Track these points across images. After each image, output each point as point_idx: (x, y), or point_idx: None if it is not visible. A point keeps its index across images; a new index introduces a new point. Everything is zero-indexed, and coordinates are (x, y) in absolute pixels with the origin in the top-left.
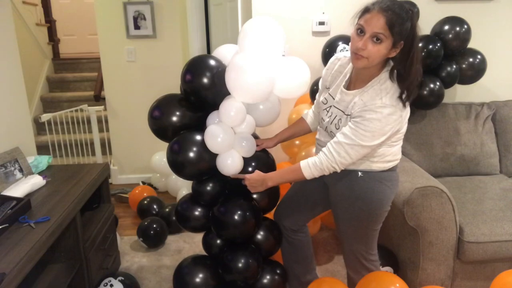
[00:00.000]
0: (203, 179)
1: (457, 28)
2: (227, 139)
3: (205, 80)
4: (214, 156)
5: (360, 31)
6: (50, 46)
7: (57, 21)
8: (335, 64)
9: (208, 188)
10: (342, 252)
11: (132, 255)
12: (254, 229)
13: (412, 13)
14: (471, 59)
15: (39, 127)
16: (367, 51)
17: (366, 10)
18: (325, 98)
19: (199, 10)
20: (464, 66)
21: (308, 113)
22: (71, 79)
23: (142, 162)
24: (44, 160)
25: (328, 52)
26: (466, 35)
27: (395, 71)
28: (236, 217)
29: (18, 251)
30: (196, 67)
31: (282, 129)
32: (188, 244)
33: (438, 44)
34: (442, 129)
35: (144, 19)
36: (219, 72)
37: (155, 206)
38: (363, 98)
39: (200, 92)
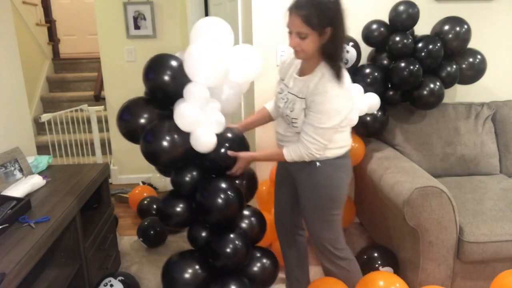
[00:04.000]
0: (178, 166)
1: (457, 28)
2: (195, 112)
3: (166, 77)
4: (187, 140)
5: (289, 32)
6: (50, 46)
7: (57, 21)
8: (286, 59)
9: (187, 178)
10: (313, 246)
11: (132, 255)
12: (239, 210)
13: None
14: (471, 59)
15: (39, 127)
16: (300, 47)
17: (287, 13)
18: (281, 88)
19: (199, 10)
20: (464, 66)
21: (270, 103)
22: (71, 79)
23: (142, 162)
24: (44, 160)
25: None
26: (466, 35)
27: (329, 53)
28: (219, 200)
29: (18, 251)
30: (156, 64)
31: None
32: (187, 244)
33: (438, 44)
34: (442, 129)
35: (144, 19)
36: (179, 66)
37: (155, 206)
38: (312, 83)
39: (163, 86)
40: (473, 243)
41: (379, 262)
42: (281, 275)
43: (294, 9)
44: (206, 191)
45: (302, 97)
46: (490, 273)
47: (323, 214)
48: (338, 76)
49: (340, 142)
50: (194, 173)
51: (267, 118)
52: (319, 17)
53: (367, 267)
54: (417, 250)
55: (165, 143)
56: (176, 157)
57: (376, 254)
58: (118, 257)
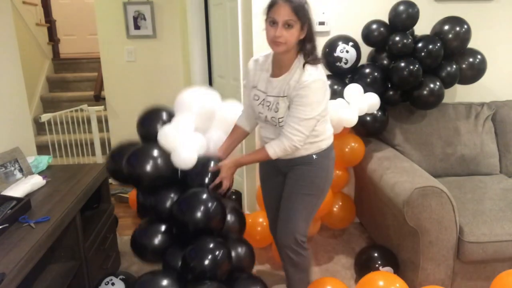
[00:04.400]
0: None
1: (457, 28)
2: (177, 132)
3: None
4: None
5: (273, 22)
6: (50, 46)
7: (57, 21)
8: (255, 65)
9: (168, 200)
10: (278, 235)
11: (132, 255)
12: (223, 221)
13: None
14: (471, 59)
15: (39, 127)
16: (284, 37)
17: (273, 4)
18: (256, 95)
19: (199, 10)
20: (464, 66)
21: (241, 118)
22: (71, 79)
23: None
24: (44, 160)
25: (328, 52)
26: (466, 35)
27: (306, 48)
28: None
29: (18, 251)
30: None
31: None
32: None
33: (438, 44)
34: (442, 129)
35: (144, 19)
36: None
37: None
38: (292, 80)
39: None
40: (473, 243)
41: (379, 262)
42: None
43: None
44: (184, 203)
45: (284, 96)
46: (490, 273)
47: (311, 204)
48: (317, 69)
49: (328, 132)
50: (174, 194)
51: (243, 135)
52: (303, 10)
53: (367, 267)
54: (417, 250)
55: (148, 167)
56: (157, 180)
57: (376, 254)
58: (118, 257)
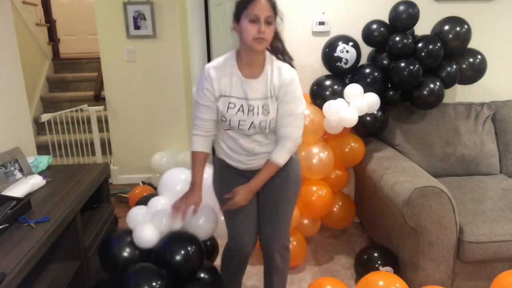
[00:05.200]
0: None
1: (457, 28)
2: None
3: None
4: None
5: (254, 19)
6: (50, 46)
7: (57, 21)
8: (215, 74)
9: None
10: (265, 241)
11: None
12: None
13: None
14: (471, 59)
15: (39, 127)
16: (266, 34)
17: (250, 1)
18: (231, 103)
19: (199, 10)
20: (464, 66)
21: (197, 142)
22: (71, 79)
23: (142, 162)
24: (44, 160)
25: (328, 52)
26: (466, 35)
27: (278, 46)
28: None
29: (18, 251)
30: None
31: None
32: None
33: (438, 44)
34: (442, 129)
35: (144, 19)
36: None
37: None
38: (274, 78)
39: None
40: (473, 243)
41: (379, 262)
42: None
43: None
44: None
45: (272, 96)
46: (490, 273)
47: (291, 209)
48: (290, 63)
49: None
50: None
51: (206, 159)
52: (276, 4)
53: (367, 267)
54: (417, 250)
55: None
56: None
57: (376, 254)
58: None
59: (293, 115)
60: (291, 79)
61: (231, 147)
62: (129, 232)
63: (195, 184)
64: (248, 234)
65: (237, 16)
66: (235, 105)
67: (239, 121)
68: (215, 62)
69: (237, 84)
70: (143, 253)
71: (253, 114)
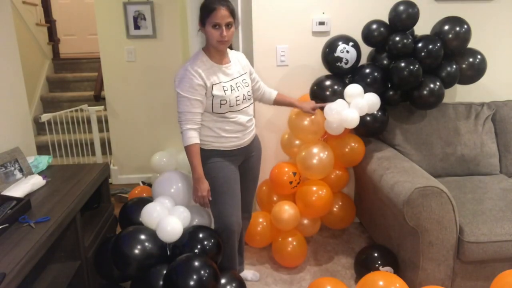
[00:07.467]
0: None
1: (457, 28)
2: (159, 208)
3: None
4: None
5: (216, 26)
6: (50, 46)
7: (57, 21)
8: (201, 70)
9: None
10: (248, 209)
11: None
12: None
13: None
14: (471, 59)
15: (39, 127)
16: (227, 36)
17: (212, 10)
18: (224, 87)
19: (199, 10)
20: (464, 66)
21: (194, 136)
22: (71, 79)
23: (142, 162)
24: (44, 160)
25: (328, 52)
26: (466, 35)
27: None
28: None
29: (18, 251)
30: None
31: (284, 125)
32: None
33: (438, 44)
34: (442, 129)
35: (144, 19)
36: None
37: None
38: (241, 59)
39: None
40: (473, 243)
41: (379, 262)
42: (282, 273)
43: (220, 4)
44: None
45: (245, 72)
46: (490, 273)
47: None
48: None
49: None
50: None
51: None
52: (234, 9)
53: (367, 267)
54: (417, 250)
55: (136, 251)
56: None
57: (376, 254)
58: None
59: (258, 77)
60: (244, 57)
61: (228, 129)
62: (142, 229)
63: (200, 175)
64: (234, 214)
65: (202, 21)
66: (227, 88)
67: (236, 97)
68: (191, 63)
69: (220, 72)
70: (159, 250)
71: (241, 87)
